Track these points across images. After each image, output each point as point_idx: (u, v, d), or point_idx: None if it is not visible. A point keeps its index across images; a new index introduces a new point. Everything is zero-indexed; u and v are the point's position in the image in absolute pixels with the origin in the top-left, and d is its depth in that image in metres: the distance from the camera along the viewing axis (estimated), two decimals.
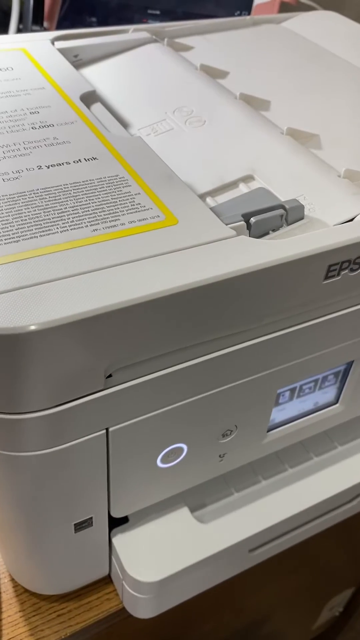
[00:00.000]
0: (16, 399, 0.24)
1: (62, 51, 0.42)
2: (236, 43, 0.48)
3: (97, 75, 0.42)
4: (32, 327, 0.21)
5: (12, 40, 0.43)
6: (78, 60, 0.43)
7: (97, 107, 0.37)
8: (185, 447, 0.31)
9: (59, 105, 0.35)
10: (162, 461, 0.31)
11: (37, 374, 0.23)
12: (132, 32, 0.46)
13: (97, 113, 0.36)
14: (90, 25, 0.70)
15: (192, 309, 0.24)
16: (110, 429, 0.27)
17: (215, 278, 0.24)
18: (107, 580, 0.37)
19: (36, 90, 0.36)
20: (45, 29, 0.63)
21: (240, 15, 0.64)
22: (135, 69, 0.43)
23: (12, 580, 0.37)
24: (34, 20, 0.61)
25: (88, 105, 0.36)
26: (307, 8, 0.69)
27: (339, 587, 0.72)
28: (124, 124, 0.36)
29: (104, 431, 0.27)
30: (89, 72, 0.43)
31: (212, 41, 0.48)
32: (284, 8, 0.65)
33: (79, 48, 0.44)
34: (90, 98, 0.37)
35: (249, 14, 0.65)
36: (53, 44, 0.43)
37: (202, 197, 0.31)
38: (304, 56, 0.47)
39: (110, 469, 0.29)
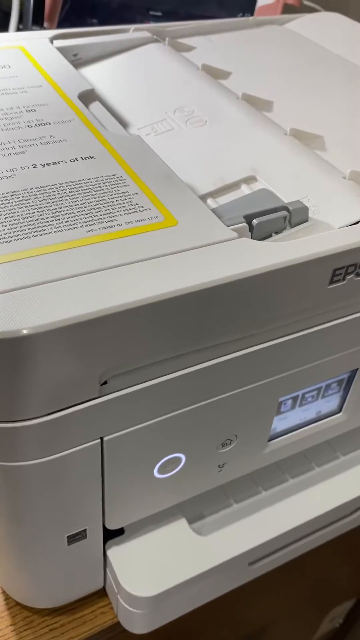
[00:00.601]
0: (7, 406, 0.23)
1: (61, 50, 0.41)
2: (239, 44, 0.47)
3: (97, 75, 0.41)
4: (24, 331, 0.20)
5: (11, 38, 0.42)
6: (77, 60, 0.43)
7: (95, 106, 0.36)
8: (183, 457, 0.30)
9: (56, 104, 0.34)
10: (159, 471, 0.30)
11: (29, 379, 0.22)
12: (132, 31, 0.46)
13: (95, 112, 0.35)
14: (90, 25, 0.69)
15: (191, 313, 0.23)
16: (105, 438, 0.26)
17: (216, 282, 0.23)
18: (101, 593, 0.36)
19: (33, 88, 0.35)
20: (46, 30, 0.62)
21: (243, 16, 0.64)
22: (136, 69, 0.42)
23: (3, 592, 0.36)
24: (34, 20, 0.61)
25: (86, 104, 0.35)
26: (311, 10, 0.68)
27: (339, 598, 0.71)
28: (123, 124, 0.35)
29: (99, 440, 0.26)
30: (89, 71, 0.42)
31: (214, 42, 0.47)
32: (287, 10, 0.64)
33: (78, 47, 0.43)
34: (88, 97, 0.36)
35: (251, 15, 0.64)
36: (52, 42, 0.42)
37: (203, 198, 0.30)
38: (307, 57, 0.46)
39: (105, 480, 0.28)
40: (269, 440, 0.34)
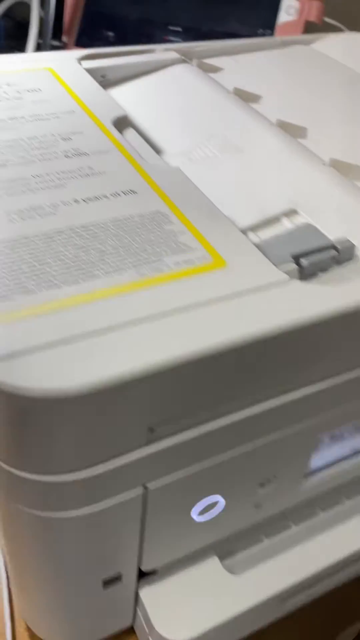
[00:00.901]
0: (51, 460, 0.22)
1: (90, 71, 0.41)
2: (266, 65, 0.47)
3: (127, 97, 0.40)
4: (76, 388, 0.19)
5: (38, 58, 0.41)
6: (105, 81, 0.42)
7: (130, 133, 0.35)
8: (222, 499, 0.29)
9: (91, 131, 0.33)
10: (198, 514, 0.29)
11: (75, 435, 0.21)
12: (159, 51, 0.45)
13: (130, 140, 0.34)
14: (107, 39, 0.68)
15: (249, 363, 0.22)
16: (149, 485, 0.25)
17: (277, 329, 0.22)
18: (129, 630, 0.35)
19: (66, 113, 0.34)
20: (65, 44, 0.62)
21: (263, 33, 0.63)
22: (166, 91, 0.41)
23: (28, 629, 0.35)
24: (54, 35, 0.60)
25: (121, 131, 0.34)
26: (333, 27, 0.68)
27: (349, 620, 0.70)
28: (157, 150, 0.35)
29: (142, 488, 0.25)
30: (117, 93, 0.41)
31: (241, 62, 0.47)
32: (309, 27, 0.64)
33: (106, 68, 0.42)
34: (122, 123, 0.35)
35: (272, 32, 0.63)
36: (80, 63, 0.41)
37: (244, 232, 0.29)
38: (337, 80, 0.45)
39: (144, 524, 0.27)
40: (306, 477, 0.33)
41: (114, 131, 0.33)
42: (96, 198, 0.28)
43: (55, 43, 0.60)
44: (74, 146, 0.31)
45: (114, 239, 0.25)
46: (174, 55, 0.44)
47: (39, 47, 0.61)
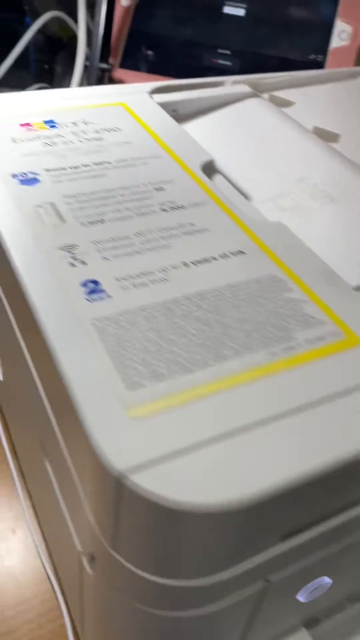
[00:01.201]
0: (179, 567, 0.20)
1: (163, 105, 0.39)
2: (338, 98, 0.45)
3: (203, 135, 0.38)
4: (225, 504, 0.17)
5: (107, 92, 0.39)
6: (177, 115, 0.40)
7: (219, 179, 0.33)
8: (330, 580, 0.27)
9: (182, 179, 0.31)
10: (305, 597, 0.27)
11: (212, 545, 0.19)
12: (229, 84, 0.43)
13: (222, 188, 0.32)
14: (147, 59, 0.67)
15: None
16: (271, 578, 0.23)
17: None
18: None
19: (152, 158, 0.33)
20: (112, 66, 0.60)
21: (315, 58, 0.61)
22: (243, 129, 0.39)
23: None
24: (102, 57, 0.58)
25: (209, 177, 0.32)
26: None
27: None
28: (245, 197, 0.33)
29: (264, 581, 0.23)
30: (191, 129, 0.39)
31: (311, 95, 0.45)
32: None
33: (178, 102, 0.40)
34: (210, 168, 0.33)
35: (324, 57, 0.62)
36: (151, 97, 0.40)
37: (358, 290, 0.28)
38: None
39: (256, 613, 0.25)
40: None
41: (204, 178, 0.32)
42: (205, 260, 0.26)
43: (103, 65, 0.58)
44: (169, 198, 0.29)
45: (235, 310, 0.24)
46: (245, 88, 0.43)
47: (85, 68, 0.59)
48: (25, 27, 0.82)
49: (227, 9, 0.62)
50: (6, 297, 0.28)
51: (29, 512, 0.42)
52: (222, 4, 0.62)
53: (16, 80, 0.83)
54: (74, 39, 0.81)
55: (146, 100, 0.39)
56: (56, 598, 0.38)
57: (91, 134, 0.34)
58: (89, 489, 0.20)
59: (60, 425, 0.23)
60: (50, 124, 0.34)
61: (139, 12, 0.64)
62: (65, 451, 0.23)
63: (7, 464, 0.44)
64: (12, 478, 0.43)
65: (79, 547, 0.26)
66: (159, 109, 0.38)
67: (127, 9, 0.63)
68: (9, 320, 0.28)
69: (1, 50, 0.82)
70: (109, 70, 0.57)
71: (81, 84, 0.60)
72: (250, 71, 0.63)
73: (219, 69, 0.63)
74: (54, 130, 0.34)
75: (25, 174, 0.30)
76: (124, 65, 0.63)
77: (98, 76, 0.58)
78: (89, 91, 0.40)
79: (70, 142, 0.33)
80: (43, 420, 0.26)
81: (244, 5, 0.62)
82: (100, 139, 0.34)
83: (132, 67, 0.63)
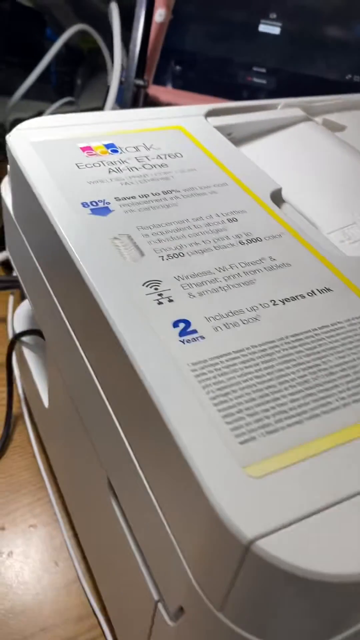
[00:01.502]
0: (287, 631, 0.19)
1: (219, 129, 0.38)
2: None
3: (262, 161, 0.37)
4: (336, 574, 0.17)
5: (161, 115, 0.38)
6: (232, 139, 0.39)
7: (287, 209, 0.32)
8: None
9: (254, 210, 0.30)
10: None
11: (331, 612, 0.18)
12: (281, 107, 0.42)
13: (293, 218, 0.31)
14: (180, 75, 0.66)
15: None
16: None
17: None
18: None
19: (220, 187, 0.32)
20: (147, 82, 0.59)
21: (352, 78, 0.61)
22: (300, 155, 0.39)
23: None
24: (137, 73, 0.57)
25: (279, 206, 0.31)
26: None
27: None
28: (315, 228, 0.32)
29: None
30: (248, 153, 0.38)
31: None
32: None
33: (233, 126, 0.39)
34: (278, 198, 0.32)
35: None
36: (207, 119, 0.39)
37: None
38: None
39: None
40: None
41: (275, 208, 0.31)
42: (293, 298, 0.25)
43: (139, 82, 0.57)
44: (244, 230, 0.28)
45: (334, 354, 0.23)
46: (297, 112, 0.42)
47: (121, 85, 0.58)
48: (44, 37, 0.82)
49: (263, 27, 0.62)
50: (81, 334, 0.27)
51: (71, 543, 0.41)
52: (257, 22, 0.62)
53: (36, 92, 0.82)
54: (94, 51, 0.80)
55: (203, 124, 0.38)
56: (103, 634, 0.37)
57: (154, 160, 0.33)
58: (195, 547, 0.19)
59: (150, 474, 0.22)
60: (112, 148, 0.33)
61: (172, 29, 0.63)
62: (155, 502, 0.22)
63: (46, 490, 0.43)
64: (52, 506, 0.42)
65: (154, 596, 0.25)
66: (217, 132, 0.37)
67: (160, 25, 0.62)
68: (80, 357, 0.27)
69: (22, 60, 0.81)
70: (145, 87, 0.56)
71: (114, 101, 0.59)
72: (285, 90, 0.62)
73: (254, 87, 0.62)
74: (116, 155, 0.33)
75: (95, 202, 0.29)
76: (157, 81, 0.62)
77: (133, 92, 0.57)
78: (142, 113, 0.39)
79: (135, 168, 0.32)
80: (120, 464, 0.24)
81: (279, 24, 0.62)
82: (164, 165, 0.33)
83: (165, 83, 0.63)
